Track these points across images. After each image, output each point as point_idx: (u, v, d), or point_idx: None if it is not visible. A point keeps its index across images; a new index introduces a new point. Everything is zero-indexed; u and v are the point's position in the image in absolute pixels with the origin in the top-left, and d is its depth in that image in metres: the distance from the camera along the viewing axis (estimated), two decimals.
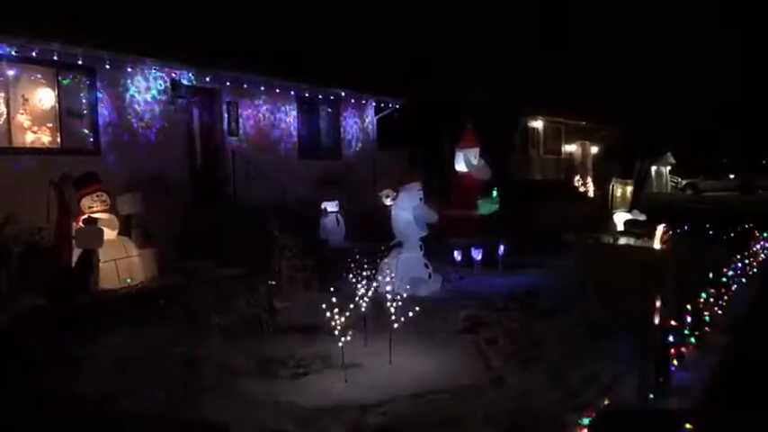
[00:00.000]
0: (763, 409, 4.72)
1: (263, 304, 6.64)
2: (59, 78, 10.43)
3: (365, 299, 6.44)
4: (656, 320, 4.60)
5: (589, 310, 7.32)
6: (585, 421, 4.27)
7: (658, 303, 4.62)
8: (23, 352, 6.01)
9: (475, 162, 10.75)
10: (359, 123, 17.33)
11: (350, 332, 6.01)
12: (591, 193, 26.54)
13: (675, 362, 5.32)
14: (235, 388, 5.25)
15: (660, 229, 4.71)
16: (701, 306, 6.38)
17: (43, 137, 10.32)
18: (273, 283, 7.16)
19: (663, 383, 4.97)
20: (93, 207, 8.91)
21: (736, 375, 5.53)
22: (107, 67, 10.93)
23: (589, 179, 28.80)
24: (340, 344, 5.49)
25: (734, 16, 23.90)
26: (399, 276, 8.15)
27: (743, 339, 6.48)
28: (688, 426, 4.17)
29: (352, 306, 6.49)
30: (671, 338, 5.16)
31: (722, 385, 5.24)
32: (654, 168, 34.73)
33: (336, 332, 5.51)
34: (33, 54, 9.88)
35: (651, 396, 4.68)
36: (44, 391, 5.27)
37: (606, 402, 4.66)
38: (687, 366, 5.47)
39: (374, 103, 17.80)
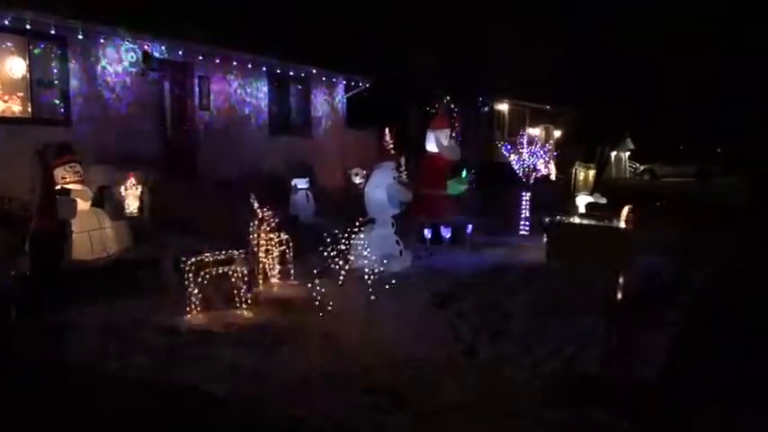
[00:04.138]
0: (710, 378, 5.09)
1: (240, 276, 6.79)
2: (31, 48, 10.34)
3: (341, 273, 6.66)
4: (619, 296, 4.92)
5: (554, 286, 7.68)
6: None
7: (621, 280, 4.94)
8: (4, 321, 6.07)
9: (445, 143, 10.99)
10: (329, 101, 17.44)
11: (328, 303, 6.27)
12: (553, 176, 27.04)
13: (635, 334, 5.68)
14: (216, 356, 5.43)
15: (626, 209, 4.99)
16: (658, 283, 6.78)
17: (14, 106, 10.25)
18: (245, 254, 7.30)
19: (623, 354, 5.32)
20: (66, 178, 8.86)
21: (690, 348, 5.91)
22: (79, 37, 10.85)
23: (552, 162, 29.30)
24: (320, 315, 5.71)
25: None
26: (372, 252, 8.39)
27: (697, 315, 6.88)
28: (647, 392, 4.51)
29: (328, 280, 6.73)
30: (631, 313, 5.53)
31: (677, 356, 5.60)
32: (613, 154, 35.53)
33: (315, 303, 5.71)
34: (5, 22, 9.79)
35: (612, 365, 5.02)
36: (28, 359, 5.37)
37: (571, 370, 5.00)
38: (646, 338, 5.83)
39: (344, 82, 17.92)
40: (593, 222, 9.07)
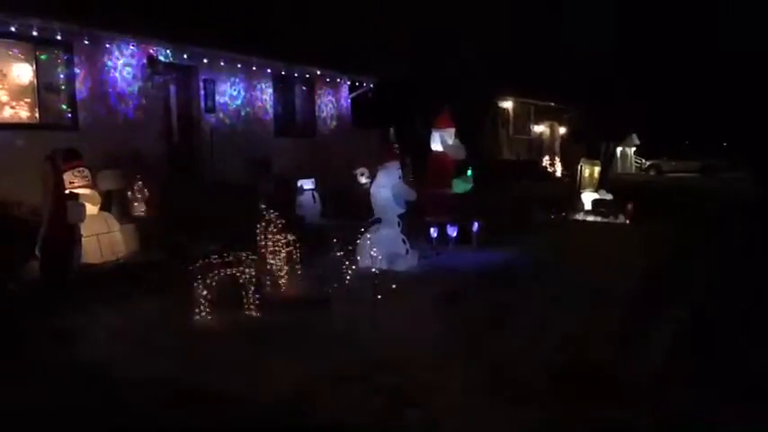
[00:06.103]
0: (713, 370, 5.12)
1: (248, 278, 6.85)
2: (37, 53, 10.42)
3: (348, 272, 6.71)
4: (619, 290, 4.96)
5: (560, 282, 7.72)
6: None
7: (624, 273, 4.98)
8: (19, 325, 6.14)
9: (450, 142, 11.02)
10: (333, 102, 17.51)
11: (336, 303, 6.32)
12: (558, 173, 27.07)
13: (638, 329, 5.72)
14: (227, 357, 5.47)
15: (629, 206, 4.99)
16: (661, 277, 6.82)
17: (21, 112, 10.34)
18: (255, 257, 7.35)
19: (626, 347, 5.36)
20: (75, 182, 8.95)
21: (693, 341, 5.94)
22: (85, 42, 10.94)
23: (557, 159, 29.35)
24: (328, 316, 5.76)
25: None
26: (379, 252, 8.43)
27: (701, 308, 6.91)
28: (649, 380, 4.55)
29: (336, 279, 6.81)
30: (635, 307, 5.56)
31: (681, 350, 5.63)
32: (619, 149, 35.47)
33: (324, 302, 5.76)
34: (12, 29, 9.87)
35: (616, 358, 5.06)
36: (45, 362, 5.43)
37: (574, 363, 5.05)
38: (650, 332, 5.87)
39: (348, 82, 17.98)
40: (597, 219, 9.12)
